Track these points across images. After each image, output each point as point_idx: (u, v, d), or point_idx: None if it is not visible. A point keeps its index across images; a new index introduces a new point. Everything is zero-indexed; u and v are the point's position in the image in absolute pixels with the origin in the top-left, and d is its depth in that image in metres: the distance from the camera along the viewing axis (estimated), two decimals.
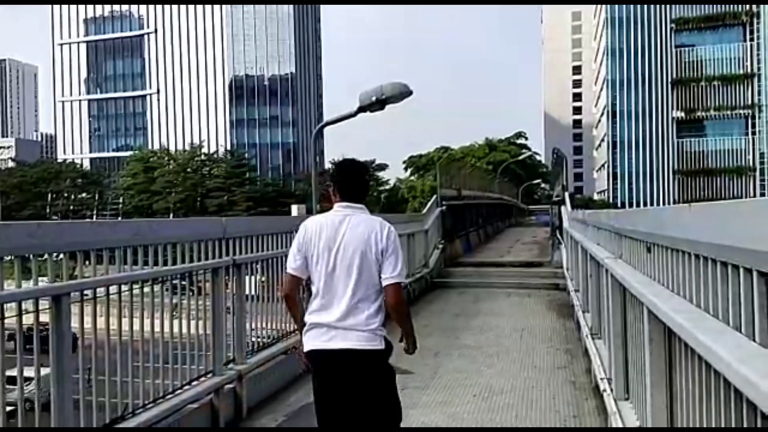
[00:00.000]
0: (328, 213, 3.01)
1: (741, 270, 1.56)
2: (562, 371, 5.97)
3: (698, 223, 1.97)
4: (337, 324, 2.83)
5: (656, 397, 2.49)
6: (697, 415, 1.94)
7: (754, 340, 1.48)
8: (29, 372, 2.93)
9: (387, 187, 73.24)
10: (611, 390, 3.79)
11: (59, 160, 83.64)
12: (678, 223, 2.24)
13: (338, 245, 2.87)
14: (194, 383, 4.23)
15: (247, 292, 5.49)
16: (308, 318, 2.95)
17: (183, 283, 4.48)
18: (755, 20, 75.34)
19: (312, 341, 2.90)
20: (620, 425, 3.25)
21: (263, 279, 5.82)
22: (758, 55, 75.60)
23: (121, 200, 72.32)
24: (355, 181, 3.03)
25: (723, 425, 1.63)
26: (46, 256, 3.06)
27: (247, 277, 5.42)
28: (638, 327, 2.91)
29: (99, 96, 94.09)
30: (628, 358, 3.45)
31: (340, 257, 2.86)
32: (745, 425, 1.45)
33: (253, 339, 5.25)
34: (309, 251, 2.93)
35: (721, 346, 1.50)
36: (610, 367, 3.94)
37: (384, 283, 2.85)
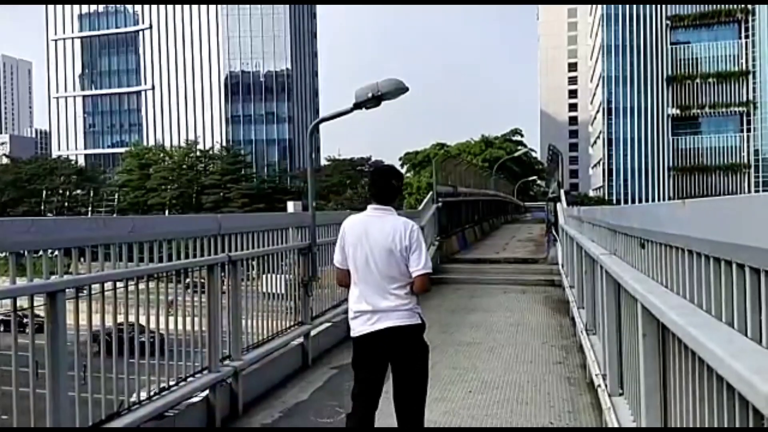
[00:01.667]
0: (361, 213, 3.51)
1: (734, 266, 1.57)
2: (557, 367, 6.00)
3: (692, 220, 1.98)
4: (378, 309, 3.30)
5: (650, 393, 2.50)
6: (690, 410, 1.95)
7: (746, 336, 1.50)
8: None
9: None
10: (606, 385, 3.80)
11: (54, 157, 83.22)
12: (672, 219, 2.25)
13: (369, 243, 3.34)
14: (190, 379, 4.23)
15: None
16: (351, 306, 3.42)
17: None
18: (750, 17, 75.51)
19: (359, 327, 3.37)
20: (614, 420, 3.26)
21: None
22: (753, 52, 75.84)
23: (116, 197, 72.06)
24: (382, 187, 3.48)
25: (716, 420, 1.64)
26: (41, 252, 3.05)
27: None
28: (632, 323, 2.93)
29: (93, 92, 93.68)
30: (623, 354, 3.46)
31: (370, 253, 3.33)
32: (737, 421, 1.46)
33: (251, 332, 5.26)
34: (346, 247, 3.42)
35: (714, 341, 1.51)
36: (604, 362, 3.96)
37: (413, 275, 3.31)
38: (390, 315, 3.29)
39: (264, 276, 5.68)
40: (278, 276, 5.98)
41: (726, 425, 1.55)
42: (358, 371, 3.41)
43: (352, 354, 3.44)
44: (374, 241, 3.33)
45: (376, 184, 3.49)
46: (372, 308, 3.31)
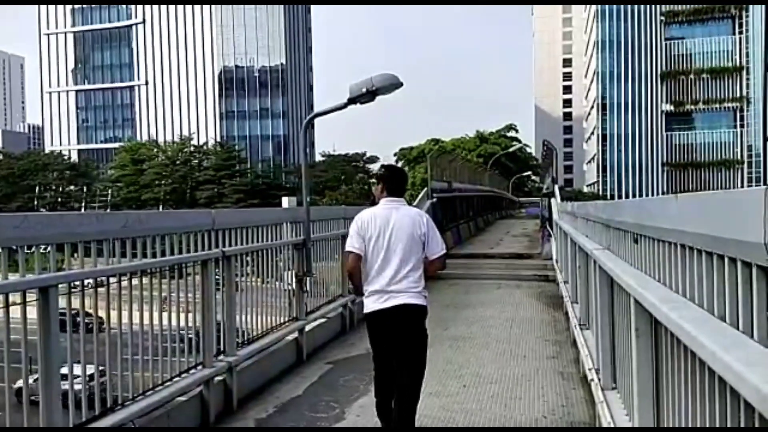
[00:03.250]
0: (377, 206, 3.92)
1: (726, 260, 1.58)
2: (551, 361, 6.02)
3: (684, 214, 1.98)
4: (393, 288, 3.70)
5: (642, 387, 2.51)
6: (683, 404, 1.96)
7: (738, 330, 1.50)
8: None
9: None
10: (599, 380, 3.82)
11: (46, 152, 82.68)
12: (664, 213, 2.26)
13: (391, 230, 3.76)
14: (184, 375, 4.23)
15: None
16: (368, 287, 3.79)
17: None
18: (744, 13, 75.67)
19: (372, 305, 3.77)
20: (607, 414, 3.28)
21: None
22: (747, 48, 76.04)
23: (109, 192, 71.74)
24: (400, 182, 4.00)
25: (708, 413, 1.65)
26: (33, 248, 3.03)
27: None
28: (625, 317, 2.94)
29: (86, 87, 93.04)
30: (616, 348, 3.48)
31: (394, 239, 3.74)
32: (729, 414, 1.47)
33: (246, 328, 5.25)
34: (366, 235, 3.78)
35: (706, 335, 1.52)
36: (597, 357, 3.98)
37: (433, 257, 3.82)
38: (402, 295, 3.70)
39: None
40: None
41: (718, 418, 1.56)
42: (372, 342, 3.87)
43: (367, 328, 3.90)
44: (398, 229, 3.76)
45: (392, 180, 3.97)
46: (388, 289, 3.70)
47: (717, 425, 1.57)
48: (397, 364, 3.75)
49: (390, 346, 3.76)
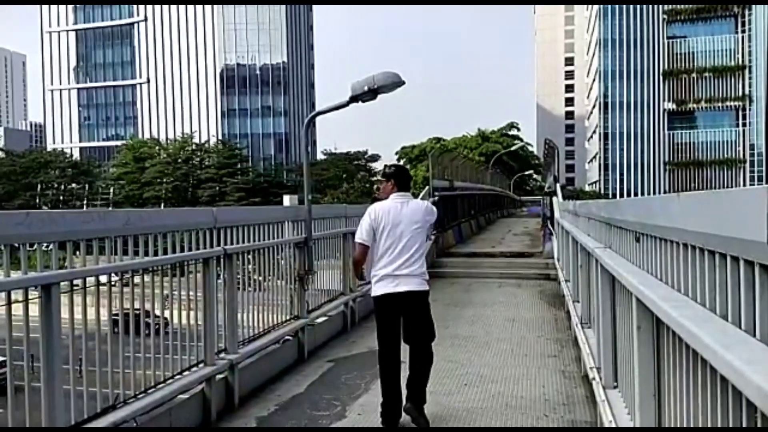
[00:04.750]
0: (387, 200, 4.36)
1: (728, 258, 1.58)
2: (552, 360, 6.02)
3: (686, 213, 1.98)
4: (401, 273, 4.18)
5: (644, 385, 2.51)
6: (684, 402, 1.96)
7: (740, 328, 1.50)
8: None
9: (379, 177, 73.03)
10: (600, 378, 3.82)
11: (48, 150, 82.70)
12: (666, 212, 2.26)
13: (402, 222, 4.24)
14: (186, 373, 4.23)
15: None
16: (379, 272, 4.22)
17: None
18: (746, 12, 75.50)
19: (382, 288, 4.22)
20: (609, 412, 3.28)
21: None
22: (749, 46, 75.88)
23: (111, 190, 71.79)
24: (406, 179, 4.51)
25: (710, 412, 1.65)
26: (35, 245, 3.04)
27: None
28: (627, 315, 2.94)
29: (88, 85, 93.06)
30: (617, 347, 3.48)
31: (406, 229, 4.23)
32: (730, 412, 1.47)
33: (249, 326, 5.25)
34: (379, 227, 4.24)
35: (707, 333, 1.52)
36: (599, 355, 3.97)
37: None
38: (410, 281, 4.18)
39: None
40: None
41: (719, 417, 1.56)
42: (380, 323, 4.26)
43: (375, 310, 4.33)
44: (409, 220, 4.23)
45: (401, 177, 4.46)
46: (396, 273, 4.16)
47: (719, 424, 1.57)
48: (409, 332, 4.23)
49: (397, 325, 4.21)
